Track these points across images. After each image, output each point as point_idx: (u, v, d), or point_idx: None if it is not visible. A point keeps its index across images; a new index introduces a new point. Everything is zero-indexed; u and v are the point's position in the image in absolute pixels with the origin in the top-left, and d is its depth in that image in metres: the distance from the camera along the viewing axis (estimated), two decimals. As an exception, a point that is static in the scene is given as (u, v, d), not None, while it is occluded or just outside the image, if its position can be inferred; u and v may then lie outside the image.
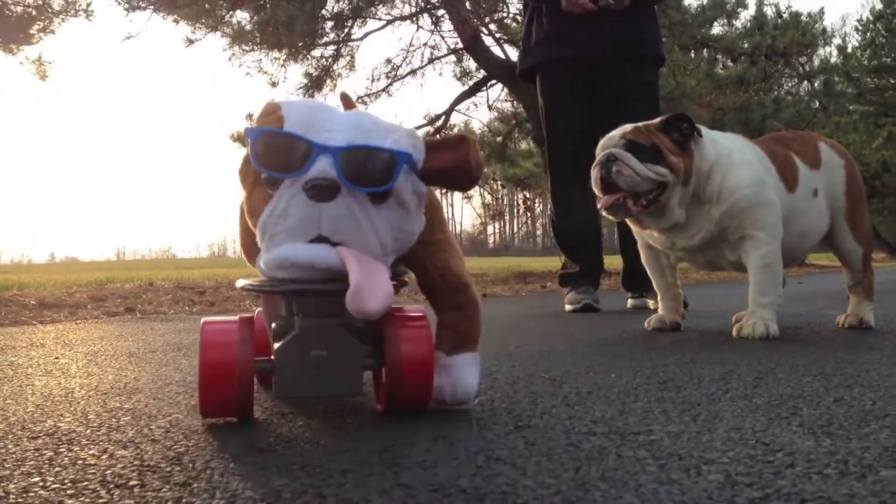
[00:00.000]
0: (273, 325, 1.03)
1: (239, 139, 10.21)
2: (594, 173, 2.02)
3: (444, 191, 1.06)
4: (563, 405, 1.14)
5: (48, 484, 0.77)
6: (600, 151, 2.04)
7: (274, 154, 0.96)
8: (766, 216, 1.97)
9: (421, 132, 1.16)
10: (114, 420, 1.09)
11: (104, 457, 0.88)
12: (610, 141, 2.04)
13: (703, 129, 2.03)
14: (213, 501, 0.71)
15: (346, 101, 1.41)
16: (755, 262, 1.98)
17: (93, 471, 0.82)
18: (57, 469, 0.83)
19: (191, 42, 9.08)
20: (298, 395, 1.04)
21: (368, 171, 0.96)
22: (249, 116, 10.19)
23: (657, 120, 2.04)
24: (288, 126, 0.98)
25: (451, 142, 1.03)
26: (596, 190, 2.05)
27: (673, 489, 0.71)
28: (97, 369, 1.65)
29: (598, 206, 2.04)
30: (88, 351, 2.01)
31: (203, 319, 1.04)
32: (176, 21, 8.82)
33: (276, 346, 1.00)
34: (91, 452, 0.90)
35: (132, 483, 0.77)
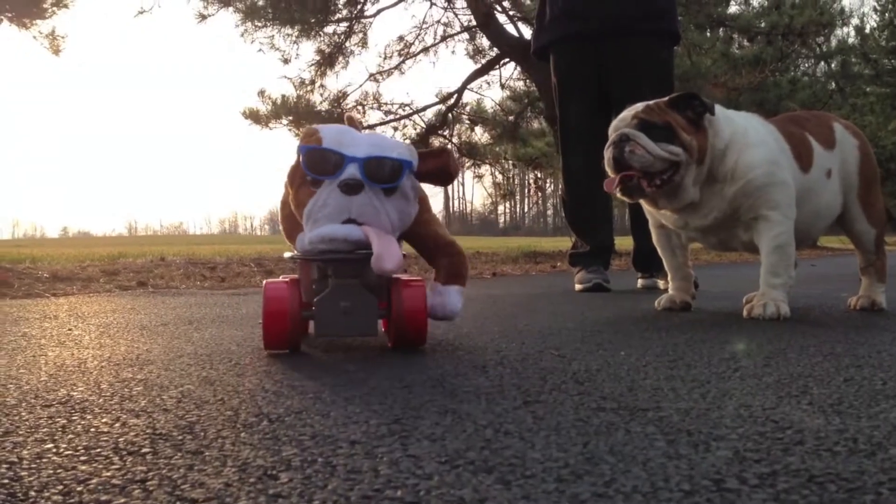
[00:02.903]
0: (313, 285, 1.46)
1: (251, 115, 10.17)
2: (607, 154, 2.00)
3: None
4: (573, 381, 1.14)
5: (61, 450, 0.78)
6: (612, 132, 2.02)
7: (317, 163, 1.42)
8: (779, 196, 1.95)
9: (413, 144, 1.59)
10: (126, 390, 1.10)
11: (116, 425, 0.89)
12: (622, 122, 2.01)
13: (718, 108, 2.01)
14: (224, 469, 0.71)
15: (351, 122, 1.64)
16: (768, 243, 1.96)
17: (105, 438, 0.83)
18: (70, 436, 0.84)
19: (203, 17, 9.06)
20: (332, 333, 1.45)
21: (383, 173, 1.42)
22: (261, 93, 10.14)
23: (666, 98, 2.02)
24: (325, 144, 1.42)
25: (436, 152, 1.54)
26: (609, 171, 2.02)
27: (681, 464, 0.71)
28: (109, 341, 1.66)
29: (607, 188, 2.02)
30: (101, 323, 2.03)
31: (265, 281, 1.46)
32: (188, -4, 8.79)
33: (316, 299, 1.42)
34: (104, 421, 0.91)
35: (144, 450, 0.78)
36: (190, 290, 3.46)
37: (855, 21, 33.50)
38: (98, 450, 0.78)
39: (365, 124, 7.56)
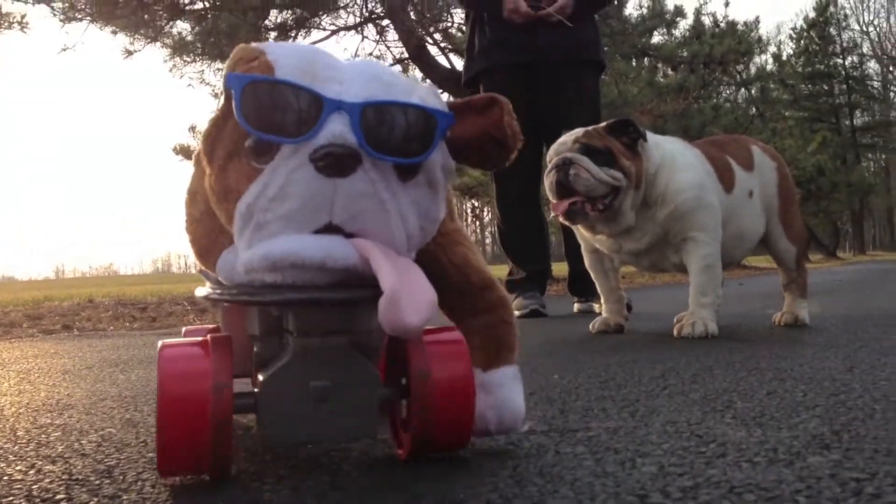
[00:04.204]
0: (255, 348, 0.83)
1: (182, 151, 10.03)
2: (550, 178, 2.02)
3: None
4: (505, 406, 1.14)
5: (-32, 502, 0.74)
6: (553, 156, 2.05)
7: (268, 110, 0.70)
8: (706, 219, 2.02)
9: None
10: (43, 436, 1.06)
11: (31, 472, 0.85)
12: (563, 146, 2.04)
13: (647, 133, 2.07)
14: (143, 513, 0.69)
15: None
16: (696, 263, 2.02)
17: (19, 486, 0.79)
18: (-21, 487, 0.80)
19: (130, 53, 8.91)
20: (292, 441, 0.78)
21: (396, 134, 0.71)
22: (192, 129, 10.03)
23: (602, 125, 2.07)
24: (280, 74, 0.71)
25: (479, 105, 0.80)
26: (551, 195, 2.04)
27: (608, 481, 0.72)
28: (29, 387, 1.59)
29: (555, 211, 2.04)
30: (21, 369, 1.94)
31: (161, 342, 0.76)
32: (114, 32, 8.64)
33: (261, 376, 0.77)
34: (18, 468, 0.87)
35: (59, 497, 0.75)
36: (118, 331, 3.36)
37: (772, 49, 35.09)
38: (10, 498, 0.75)
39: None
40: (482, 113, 0.79)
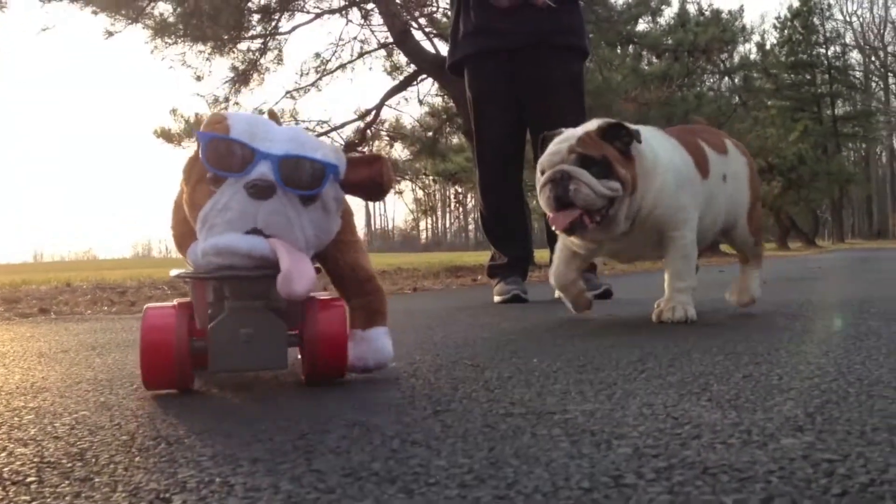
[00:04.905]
0: (209, 310, 1.20)
1: (163, 134, 9.93)
2: (546, 192, 1.92)
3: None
4: (484, 389, 1.14)
5: (-64, 484, 0.73)
6: (548, 167, 1.93)
7: (221, 156, 1.15)
8: (685, 217, 2.01)
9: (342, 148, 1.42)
10: (16, 419, 1.04)
11: (2, 455, 0.84)
12: (557, 156, 1.92)
13: (640, 131, 1.97)
14: (114, 495, 0.68)
15: (273, 116, 1.49)
16: (674, 254, 2.02)
17: (-13, 470, 0.78)
18: (-52, 469, 0.79)
19: (110, 34, 8.79)
20: (230, 367, 1.21)
21: (301, 176, 1.16)
22: (174, 111, 9.92)
23: (594, 128, 1.96)
24: (233, 134, 1.16)
25: (368, 159, 1.26)
26: (547, 209, 1.94)
27: (583, 462, 0.72)
28: (3, 370, 1.57)
29: (554, 226, 1.95)
30: (-4, 352, 1.92)
31: (146, 306, 1.21)
32: (94, 12, 8.51)
33: (210, 326, 1.17)
34: (-12, 452, 0.86)
35: (30, 479, 0.74)
36: (96, 315, 3.32)
37: (756, 38, 35.26)
38: (-22, 482, 0.74)
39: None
40: (369, 165, 1.24)
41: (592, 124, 1.99)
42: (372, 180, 1.24)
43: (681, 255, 2.03)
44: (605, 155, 1.89)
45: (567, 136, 1.95)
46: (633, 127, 1.95)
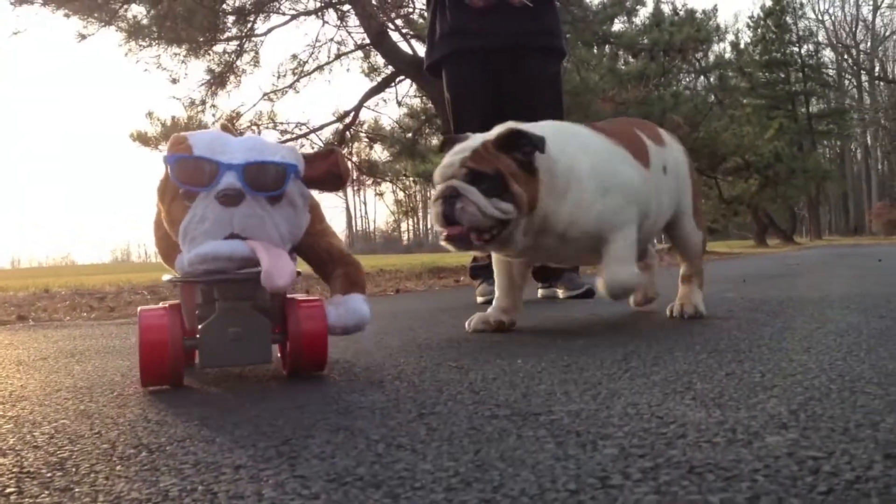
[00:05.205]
0: (197, 311, 1.31)
1: (139, 138, 9.82)
2: (437, 207, 1.80)
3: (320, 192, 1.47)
4: (469, 391, 1.14)
5: (-89, 499, 0.71)
6: (441, 180, 1.82)
7: (190, 174, 1.26)
8: (619, 219, 1.89)
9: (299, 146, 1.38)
10: (-7, 429, 1.02)
11: (-22, 467, 0.82)
12: (450, 169, 1.80)
13: (546, 140, 1.79)
14: (96, 506, 0.67)
15: (226, 130, 1.51)
16: (614, 252, 1.91)
17: (-36, 482, 0.76)
18: (-77, 483, 0.77)
19: (83, 37, 8.68)
20: (220, 363, 1.34)
21: (265, 180, 1.28)
22: (150, 114, 9.81)
23: (493, 137, 1.83)
24: (196, 152, 1.27)
25: (324, 154, 1.39)
26: (436, 223, 1.84)
27: (569, 464, 0.72)
28: (-21, 379, 1.54)
29: (441, 239, 1.84)
30: (-28, 361, 1.89)
31: (140, 308, 1.31)
32: (67, 15, 8.40)
33: (200, 326, 1.28)
34: (-36, 464, 0.84)
35: (9, 490, 0.73)
36: (75, 322, 3.28)
37: (730, 37, 35.59)
38: (-46, 495, 0.72)
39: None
40: (325, 158, 1.38)
41: (493, 133, 1.86)
42: (330, 172, 1.37)
43: (614, 258, 1.89)
44: (499, 170, 1.76)
45: (463, 147, 1.82)
46: (535, 135, 1.78)
